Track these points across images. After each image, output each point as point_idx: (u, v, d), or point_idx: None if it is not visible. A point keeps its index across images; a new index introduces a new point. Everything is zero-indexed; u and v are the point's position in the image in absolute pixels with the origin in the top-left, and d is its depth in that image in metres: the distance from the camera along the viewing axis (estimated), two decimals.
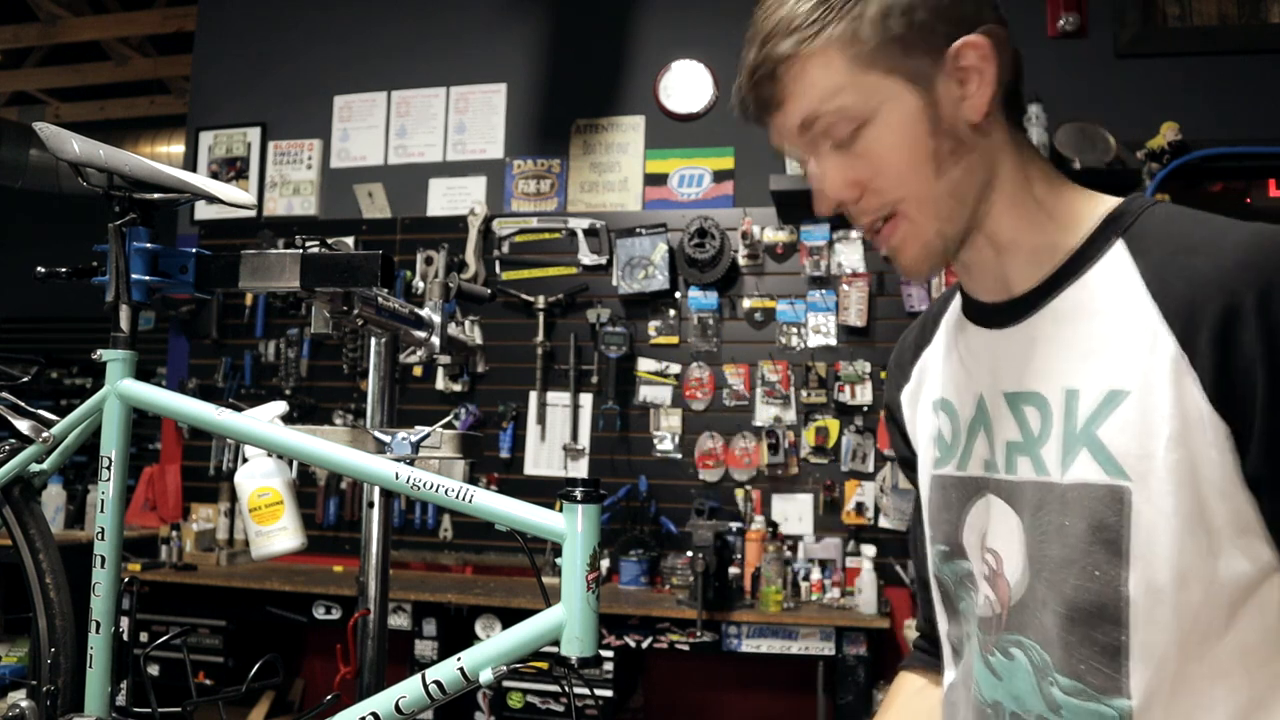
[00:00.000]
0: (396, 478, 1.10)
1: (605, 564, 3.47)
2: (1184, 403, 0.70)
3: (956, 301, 0.92)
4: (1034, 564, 0.79)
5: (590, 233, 3.76)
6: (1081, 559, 0.75)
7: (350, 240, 3.90)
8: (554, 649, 1.02)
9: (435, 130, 4.02)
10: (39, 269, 1.30)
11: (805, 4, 0.76)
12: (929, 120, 0.77)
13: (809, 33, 0.76)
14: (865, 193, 0.79)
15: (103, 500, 1.21)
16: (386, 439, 1.36)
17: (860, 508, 3.44)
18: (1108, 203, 0.80)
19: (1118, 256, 0.76)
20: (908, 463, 1.00)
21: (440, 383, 3.82)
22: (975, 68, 0.77)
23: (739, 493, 3.53)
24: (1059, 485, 0.77)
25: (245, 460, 1.35)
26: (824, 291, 3.55)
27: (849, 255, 3.56)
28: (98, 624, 1.19)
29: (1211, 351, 0.69)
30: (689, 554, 3.19)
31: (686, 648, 3.10)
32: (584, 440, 3.71)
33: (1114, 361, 0.74)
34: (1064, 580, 0.76)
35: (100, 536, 1.21)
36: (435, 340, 1.47)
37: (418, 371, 3.85)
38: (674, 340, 3.67)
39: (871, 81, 0.76)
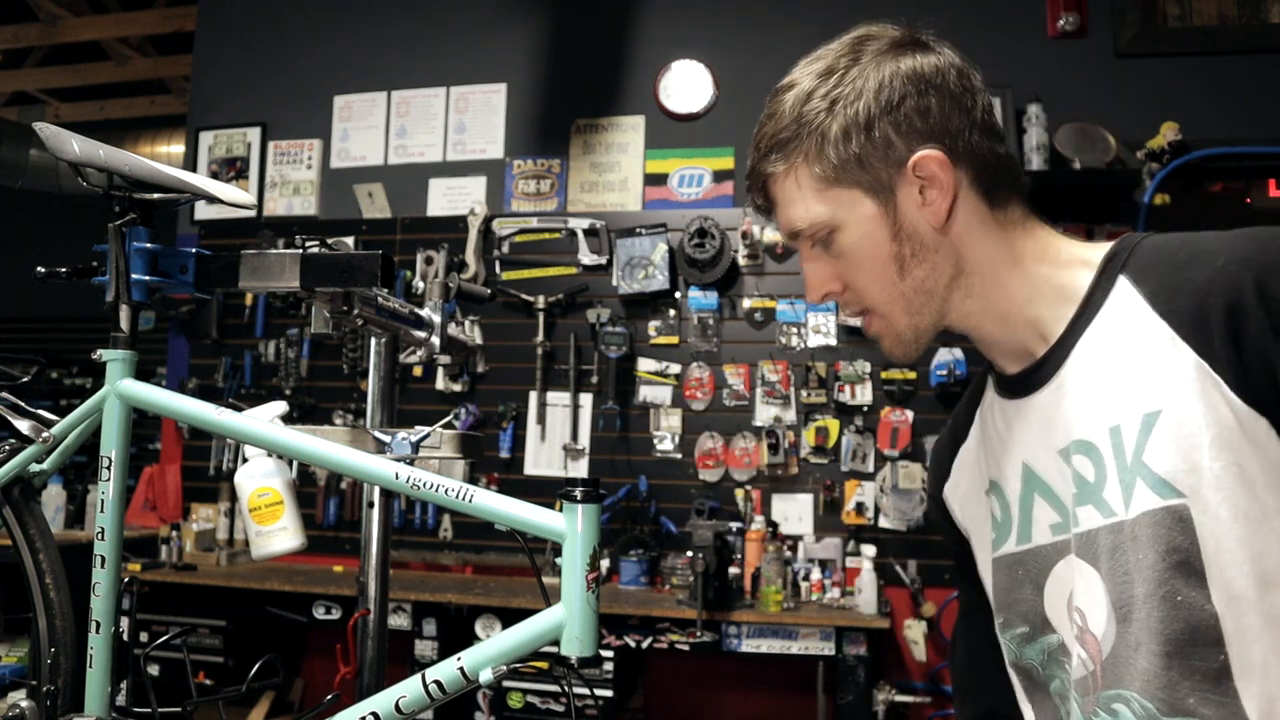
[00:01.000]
0: (396, 478, 1.10)
1: (605, 564, 3.48)
2: (1215, 408, 0.71)
3: (989, 387, 0.95)
4: (1119, 609, 0.77)
5: (590, 233, 3.76)
6: (1161, 588, 0.73)
7: (350, 240, 3.89)
8: (554, 649, 1.02)
9: (435, 130, 4.02)
10: (39, 269, 1.30)
11: (785, 119, 0.85)
12: (889, 227, 0.84)
13: (783, 152, 0.85)
14: (845, 289, 0.88)
15: (103, 500, 1.21)
16: (386, 439, 1.36)
17: (860, 508, 3.44)
18: (1100, 249, 0.83)
19: (1123, 291, 0.79)
20: (960, 555, 1.02)
21: (440, 383, 3.82)
22: (933, 177, 0.82)
23: (739, 493, 3.53)
24: (1126, 522, 0.76)
25: (245, 460, 1.35)
26: None
27: None
28: (98, 624, 1.19)
29: (1227, 351, 0.71)
30: (689, 554, 3.18)
31: (686, 648, 3.10)
32: (584, 440, 3.71)
33: (1143, 387, 0.75)
34: (1150, 615, 0.74)
35: (100, 536, 1.21)
36: (435, 340, 1.47)
37: (418, 371, 3.85)
38: (674, 340, 3.67)
39: (836, 194, 0.84)
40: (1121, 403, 0.76)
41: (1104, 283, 0.80)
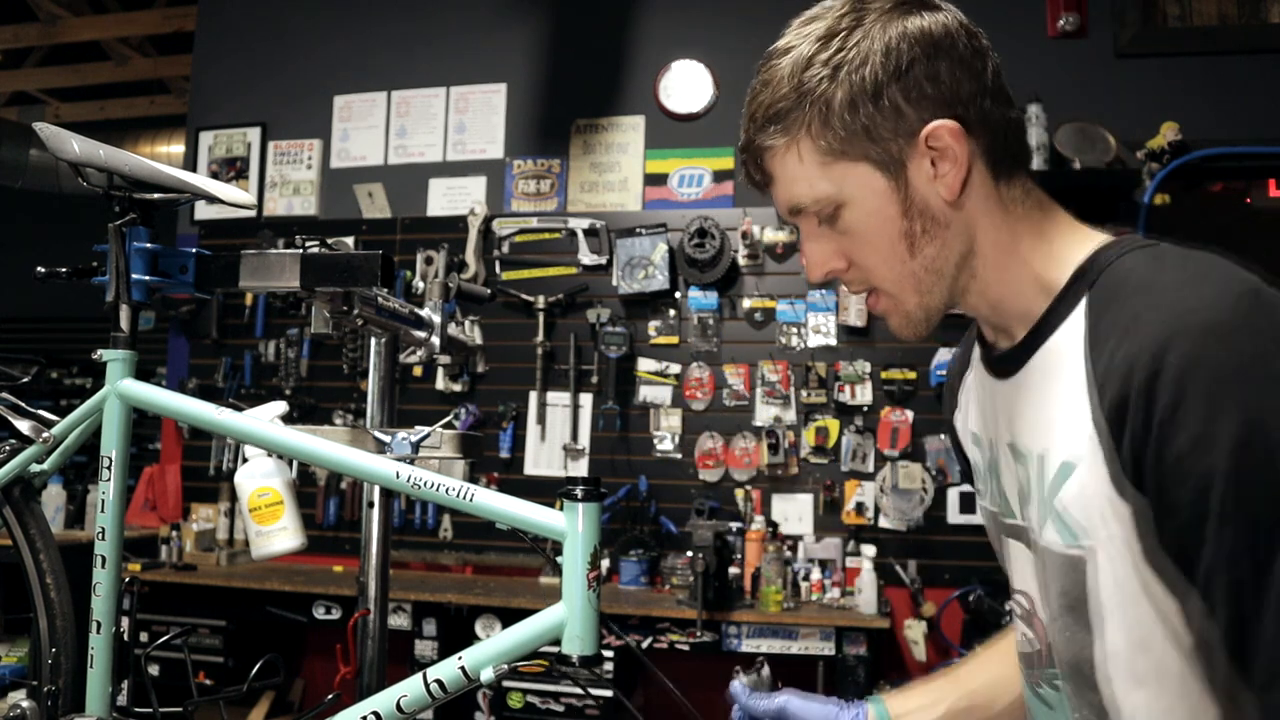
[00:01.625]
0: (397, 477, 1.10)
1: (605, 564, 3.47)
2: (1114, 479, 0.70)
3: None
4: (1047, 611, 0.82)
5: (590, 233, 3.76)
6: (1061, 619, 0.78)
7: (350, 240, 3.89)
8: (555, 648, 1.02)
9: (435, 130, 4.02)
10: (39, 269, 1.30)
11: (783, 88, 0.78)
12: (899, 203, 0.79)
13: (782, 124, 0.79)
14: (850, 267, 0.83)
15: (103, 500, 1.21)
16: (386, 439, 1.36)
17: (860, 508, 3.44)
18: (1089, 243, 0.80)
19: (1078, 318, 0.75)
20: (970, 480, 1.03)
21: (440, 383, 3.82)
22: (946, 149, 0.77)
23: (739, 493, 3.53)
24: (1040, 545, 0.79)
25: (245, 460, 1.35)
26: (824, 291, 3.55)
27: None
28: (98, 624, 1.19)
29: (1111, 432, 0.69)
30: (689, 554, 3.18)
31: (686, 648, 3.10)
32: (584, 440, 3.71)
33: (1067, 431, 0.74)
34: (1057, 636, 0.79)
35: (100, 536, 1.21)
36: (435, 340, 1.47)
37: (418, 371, 3.85)
38: (674, 340, 3.67)
39: (842, 169, 0.79)
40: (1051, 436, 0.77)
41: (1068, 298, 0.77)
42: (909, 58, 0.76)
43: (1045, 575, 0.80)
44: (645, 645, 3.14)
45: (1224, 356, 0.63)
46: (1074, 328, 0.75)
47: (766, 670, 1.02)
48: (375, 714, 1.04)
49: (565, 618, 1.01)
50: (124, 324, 1.24)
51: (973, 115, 0.78)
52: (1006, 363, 0.84)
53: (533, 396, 3.73)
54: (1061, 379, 0.75)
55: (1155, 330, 0.66)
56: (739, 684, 1.04)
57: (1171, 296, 0.67)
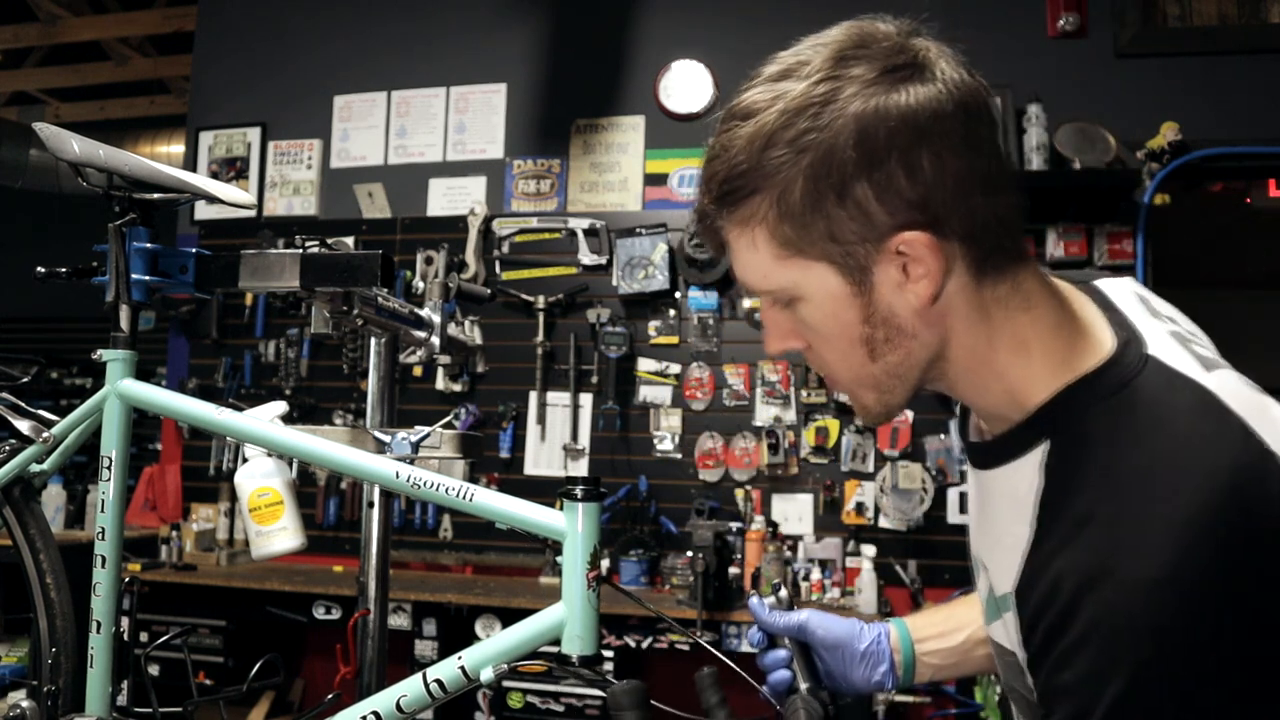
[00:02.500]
0: (397, 477, 1.10)
1: (605, 564, 3.47)
2: (1020, 643, 0.73)
3: None
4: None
5: (590, 233, 3.76)
6: (1014, 704, 0.81)
7: (350, 240, 3.89)
8: (555, 648, 1.02)
9: (435, 130, 4.02)
10: (39, 269, 1.30)
11: (741, 163, 0.70)
12: (860, 309, 0.72)
13: (736, 206, 0.72)
14: (808, 350, 0.77)
15: (103, 500, 1.21)
16: (386, 439, 1.36)
17: (860, 508, 3.44)
18: (1064, 377, 0.72)
19: (1035, 461, 0.72)
20: None
21: (440, 383, 3.82)
22: (918, 259, 0.69)
23: (739, 493, 3.53)
24: (987, 630, 0.83)
25: (245, 460, 1.35)
26: None
27: None
28: (98, 624, 1.19)
29: (1025, 622, 0.71)
30: (689, 554, 3.18)
31: (686, 648, 3.10)
32: (584, 440, 3.70)
33: (1008, 567, 0.74)
34: (1015, 705, 0.82)
35: (100, 536, 1.21)
36: (435, 340, 1.47)
37: (418, 371, 3.85)
38: (674, 340, 3.67)
39: (800, 265, 0.71)
40: (997, 558, 0.78)
41: (1031, 432, 0.73)
42: (886, 145, 0.66)
43: (995, 650, 0.83)
44: (645, 645, 3.14)
45: (1140, 619, 0.61)
46: (1030, 472, 0.72)
47: (784, 591, 1.01)
48: (375, 714, 1.04)
49: (565, 618, 1.01)
50: (124, 324, 1.24)
51: (955, 216, 0.68)
52: (978, 456, 0.82)
53: (533, 396, 3.73)
54: (1015, 513, 0.74)
55: (1087, 560, 0.64)
56: (757, 601, 1.01)
57: (1119, 523, 0.64)
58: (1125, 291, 0.81)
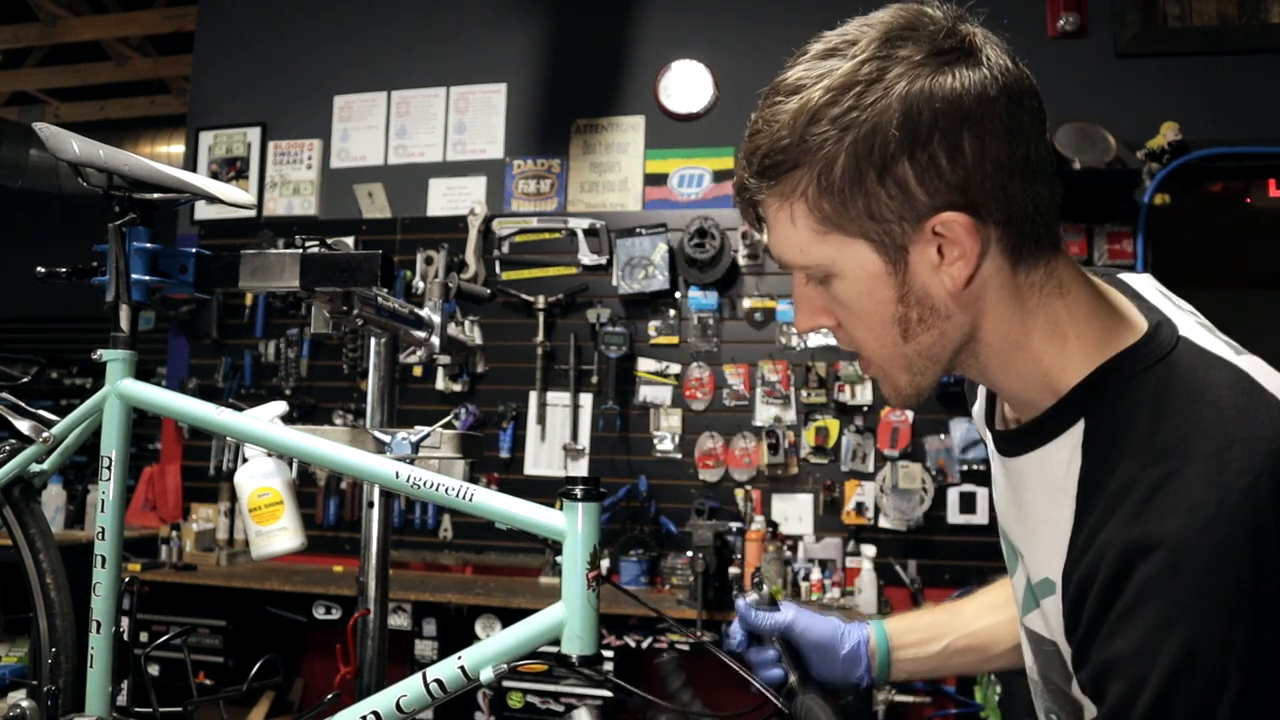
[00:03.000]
0: (397, 476, 1.10)
1: (605, 564, 3.47)
2: (1061, 628, 0.74)
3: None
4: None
5: (590, 233, 3.76)
6: (1043, 695, 0.82)
7: (350, 240, 3.89)
8: (555, 648, 1.02)
9: (435, 130, 4.02)
10: (39, 269, 1.30)
11: (784, 138, 0.70)
12: (896, 288, 0.72)
13: (778, 180, 0.71)
14: (840, 326, 0.78)
15: (103, 500, 1.21)
16: (386, 439, 1.36)
17: (860, 508, 3.44)
18: (1102, 354, 0.73)
19: (1073, 441, 0.73)
20: None
21: (440, 383, 3.82)
22: (955, 241, 0.69)
23: (739, 493, 3.53)
24: (1023, 621, 0.83)
25: (245, 460, 1.35)
26: None
27: None
28: (98, 624, 1.19)
29: (1072, 595, 0.71)
30: (689, 554, 3.18)
31: (686, 647, 3.10)
32: (584, 440, 3.70)
33: (1050, 549, 0.74)
34: (1045, 698, 0.83)
35: (100, 536, 1.21)
36: (435, 340, 1.47)
37: (418, 371, 3.85)
38: (674, 340, 3.67)
39: (837, 241, 0.71)
40: (1035, 543, 0.78)
41: (1067, 412, 0.73)
42: (930, 127, 0.66)
43: (1030, 642, 0.84)
44: (645, 645, 3.14)
45: (1190, 578, 0.62)
46: (1068, 452, 0.73)
47: (768, 588, 1.04)
48: (375, 714, 1.04)
49: (565, 617, 1.01)
50: (124, 324, 1.24)
51: (994, 200, 0.69)
52: (1007, 444, 0.82)
53: (533, 396, 3.73)
54: (1051, 497, 0.74)
55: (1136, 527, 0.65)
56: (744, 602, 1.04)
57: (1164, 489, 0.65)
58: (1149, 285, 0.83)
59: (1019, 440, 0.79)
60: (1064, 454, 0.73)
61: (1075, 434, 0.73)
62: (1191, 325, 0.75)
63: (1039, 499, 0.76)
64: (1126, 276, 0.84)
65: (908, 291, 0.72)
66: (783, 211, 0.72)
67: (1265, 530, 0.61)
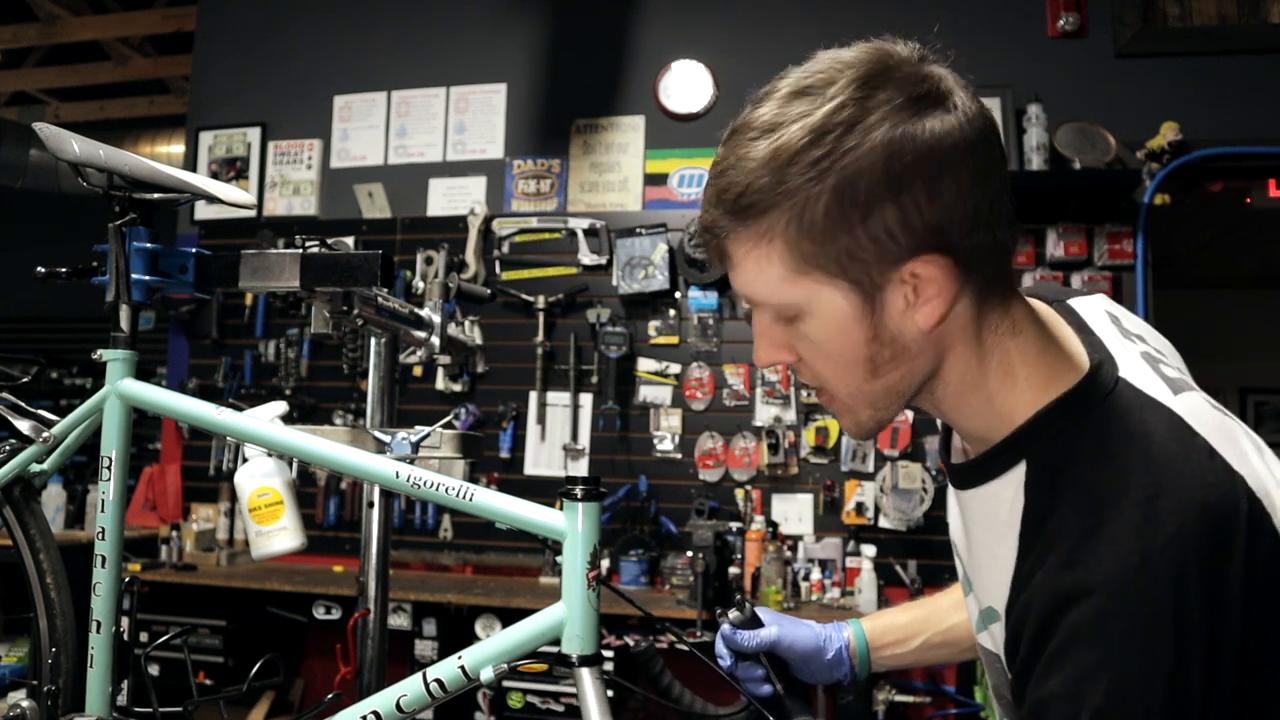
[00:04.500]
0: (397, 477, 1.10)
1: (605, 564, 3.47)
2: (1003, 655, 0.77)
3: None
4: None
5: (590, 233, 3.76)
6: (999, 705, 0.85)
7: (350, 240, 3.89)
8: (555, 648, 1.02)
9: (435, 130, 4.02)
10: (39, 269, 1.30)
11: (761, 177, 0.69)
12: (869, 328, 0.72)
13: (751, 221, 0.70)
14: (800, 364, 0.78)
15: (103, 500, 1.21)
16: (386, 439, 1.36)
17: (860, 508, 3.44)
18: (1044, 395, 0.75)
19: (1016, 481, 0.75)
20: None
21: (440, 383, 3.82)
22: (930, 281, 0.70)
23: (739, 493, 3.53)
24: (977, 635, 0.86)
25: (245, 460, 1.35)
26: None
27: None
28: (98, 624, 1.19)
29: (1011, 631, 0.74)
30: (689, 554, 3.18)
31: (686, 648, 3.10)
32: (584, 440, 3.70)
33: (995, 581, 0.77)
34: (1000, 706, 0.86)
35: (101, 536, 1.21)
36: (435, 340, 1.47)
37: (418, 371, 3.85)
38: (674, 340, 3.67)
39: (812, 282, 0.71)
40: (983, 574, 0.81)
41: (1010, 453, 0.76)
42: (912, 172, 0.67)
43: (984, 656, 0.87)
44: (645, 645, 3.13)
45: (1116, 624, 0.65)
46: (1011, 491, 0.75)
47: (750, 605, 1.07)
48: (375, 714, 1.04)
49: (565, 617, 1.01)
50: (124, 324, 1.24)
51: (966, 242, 0.70)
52: (958, 476, 0.84)
53: (533, 396, 3.73)
54: (996, 533, 0.77)
55: (1067, 574, 0.68)
56: (727, 626, 1.08)
57: (1095, 536, 0.67)
58: (1098, 311, 0.84)
59: (968, 474, 0.81)
60: (1008, 493, 0.75)
61: (1018, 474, 0.75)
62: (1134, 361, 0.77)
63: (985, 533, 0.79)
64: (1077, 303, 0.85)
65: (880, 332, 0.73)
66: (756, 251, 0.72)
67: (1186, 579, 0.64)
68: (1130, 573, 0.64)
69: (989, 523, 0.78)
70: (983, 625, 0.83)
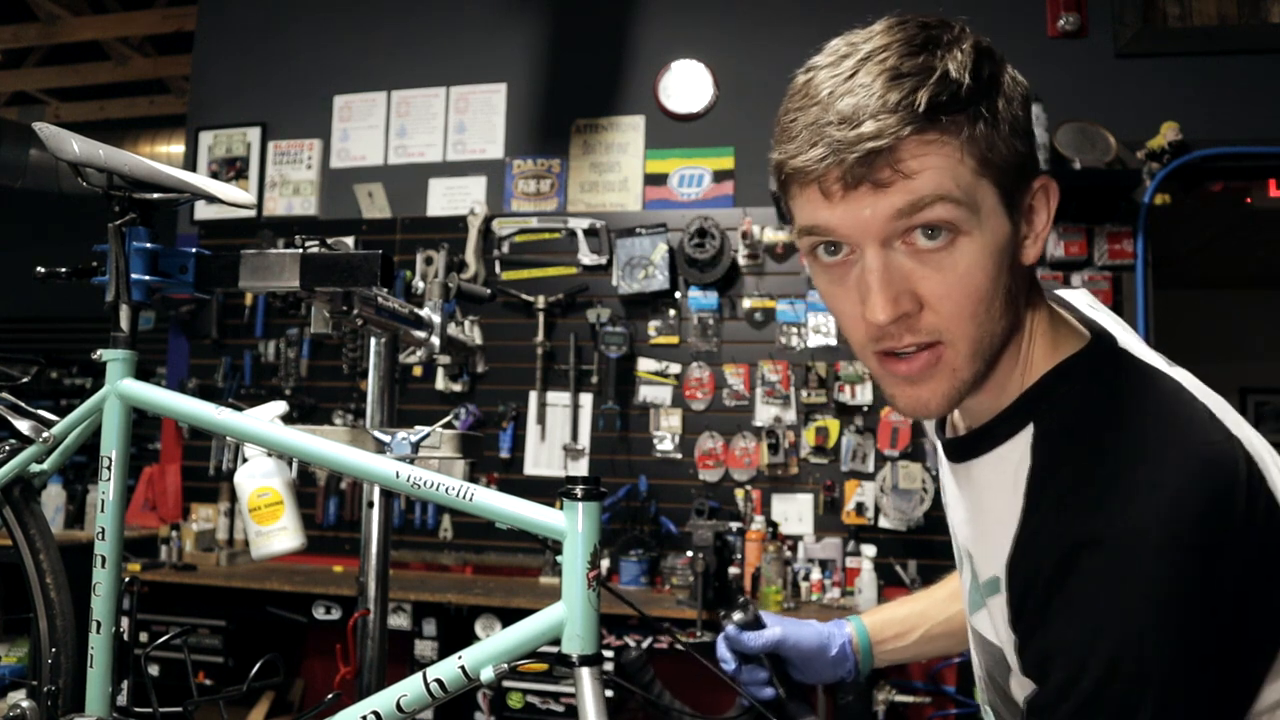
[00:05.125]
0: (397, 477, 1.10)
1: (605, 564, 3.47)
2: (1006, 620, 0.76)
3: None
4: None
5: (590, 233, 3.76)
6: (987, 689, 0.84)
7: (350, 240, 3.89)
8: (555, 648, 1.02)
9: (435, 130, 4.02)
10: (39, 269, 1.30)
11: (957, 80, 0.67)
12: (1010, 255, 0.71)
13: (949, 112, 0.67)
14: (924, 310, 0.70)
15: (103, 500, 1.21)
16: (386, 439, 1.36)
17: (860, 508, 3.44)
18: (1050, 362, 0.76)
19: (1023, 443, 0.75)
20: None
21: (440, 383, 3.82)
22: (1044, 207, 0.74)
23: (739, 493, 3.53)
24: (971, 622, 0.86)
25: (245, 460, 1.35)
26: None
27: None
28: (98, 624, 1.19)
29: (1016, 590, 0.74)
30: (689, 554, 3.18)
31: (683, 648, 3.10)
32: (584, 440, 3.70)
33: (997, 550, 0.77)
34: (989, 691, 0.85)
35: (100, 536, 1.21)
36: (435, 340, 1.47)
37: (418, 371, 3.85)
38: (674, 340, 3.67)
39: (985, 195, 0.69)
40: (984, 545, 0.81)
41: (1017, 417, 0.76)
42: (1028, 101, 0.72)
43: (976, 641, 0.86)
44: (645, 645, 3.13)
45: (1130, 575, 0.65)
46: (1018, 455, 0.75)
47: (754, 607, 1.08)
48: (375, 714, 1.04)
49: (565, 617, 1.01)
50: (124, 324, 1.24)
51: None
52: (957, 450, 0.84)
53: (533, 396, 3.73)
54: (1002, 498, 0.76)
55: (1081, 524, 0.68)
56: (732, 628, 1.09)
57: (1109, 491, 0.68)
58: (1083, 300, 0.87)
59: (971, 445, 0.81)
60: (1015, 455, 0.76)
61: (1025, 436, 0.76)
62: (1130, 335, 0.80)
63: (990, 500, 0.79)
64: (1063, 292, 0.88)
65: (1015, 261, 0.72)
66: (947, 147, 0.67)
67: (1204, 535, 0.65)
68: (1140, 523, 0.65)
69: (994, 489, 0.78)
70: (979, 603, 0.82)
